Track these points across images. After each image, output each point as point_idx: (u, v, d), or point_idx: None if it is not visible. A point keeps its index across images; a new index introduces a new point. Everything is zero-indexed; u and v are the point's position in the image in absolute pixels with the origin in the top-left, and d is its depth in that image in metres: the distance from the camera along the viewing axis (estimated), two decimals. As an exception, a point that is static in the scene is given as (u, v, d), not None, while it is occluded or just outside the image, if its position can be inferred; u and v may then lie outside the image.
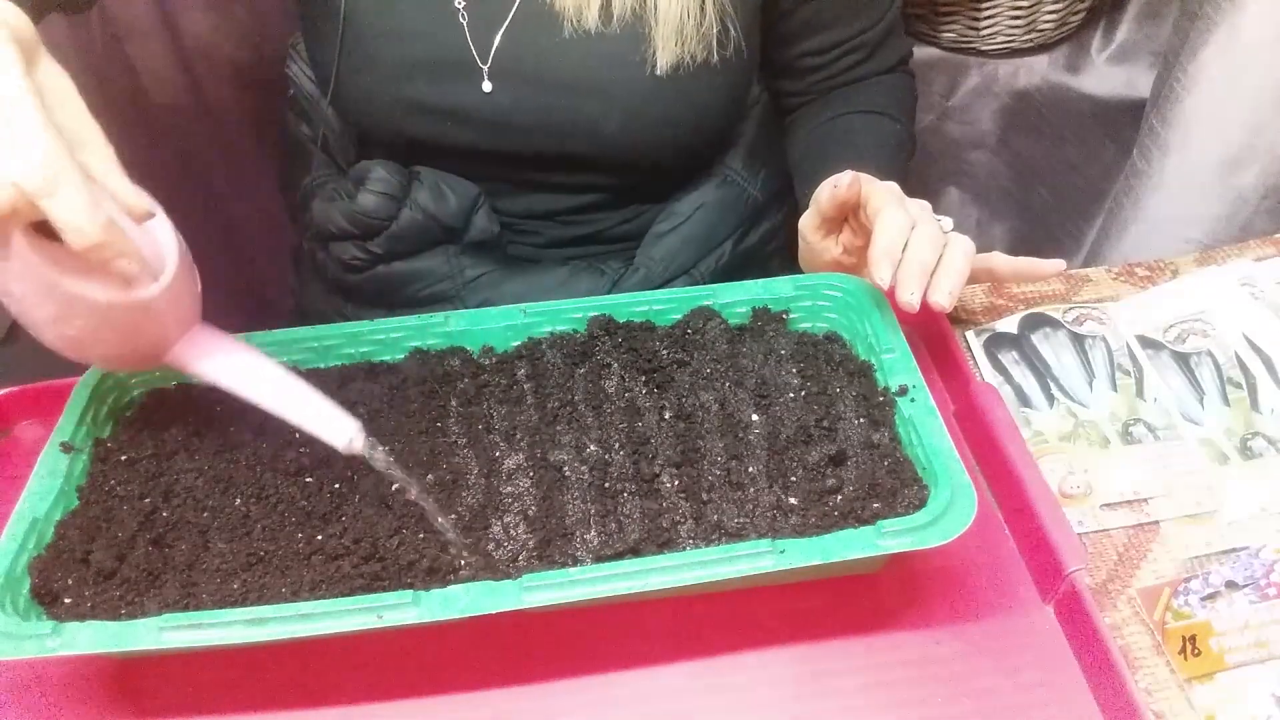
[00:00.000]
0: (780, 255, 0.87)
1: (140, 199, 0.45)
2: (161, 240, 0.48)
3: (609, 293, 0.77)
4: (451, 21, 0.68)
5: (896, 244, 0.54)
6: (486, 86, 0.69)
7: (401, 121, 0.72)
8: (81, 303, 0.44)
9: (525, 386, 0.57)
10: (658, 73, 0.68)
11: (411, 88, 0.70)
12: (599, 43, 0.67)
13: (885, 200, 0.57)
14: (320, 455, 0.53)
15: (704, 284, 0.77)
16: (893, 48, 0.80)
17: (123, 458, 0.53)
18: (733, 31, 0.69)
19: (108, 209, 0.42)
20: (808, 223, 0.65)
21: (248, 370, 0.50)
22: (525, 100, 0.70)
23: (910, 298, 0.53)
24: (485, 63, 0.69)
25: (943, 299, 0.54)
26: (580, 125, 0.70)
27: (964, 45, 1.10)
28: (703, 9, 0.66)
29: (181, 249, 0.48)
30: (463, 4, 0.68)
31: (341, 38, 0.70)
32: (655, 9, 0.66)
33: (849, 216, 0.62)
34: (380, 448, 0.48)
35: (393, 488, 0.52)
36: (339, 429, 0.48)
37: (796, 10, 0.74)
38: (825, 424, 0.53)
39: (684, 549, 0.48)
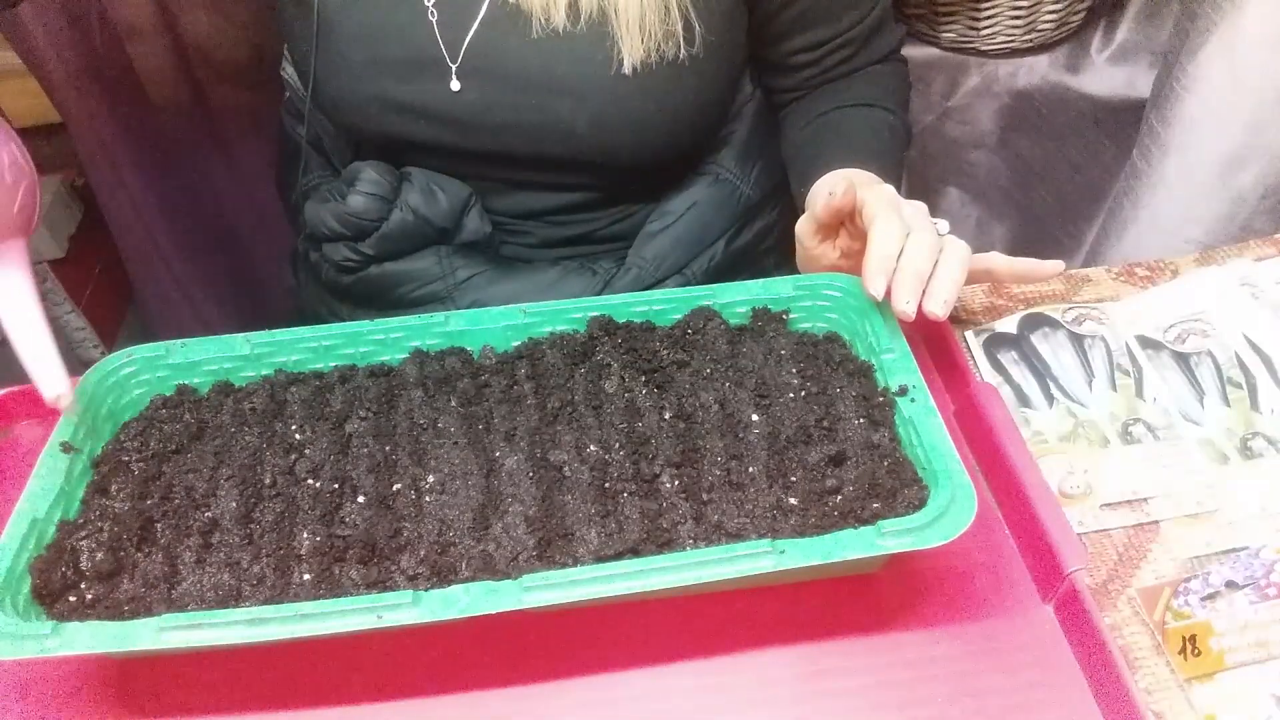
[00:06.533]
0: (774, 254, 0.87)
1: None
2: None
3: (601, 293, 0.77)
4: (421, 20, 0.69)
5: (891, 254, 0.54)
6: (455, 85, 0.69)
7: (375, 120, 0.73)
8: None
9: (525, 386, 0.57)
10: (624, 71, 0.67)
11: (382, 85, 0.71)
12: (567, 42, 0.67)
13: (880, 207, 0.56)
14: (320, 455, 0.53)
15: (697, 284, 0.77)
16: (883, 39, 0.79)
17: (123, 458, 0.53)
18: (698, 28, 0.68)
19: None
20: (804, 229, 0.65)
21: (11, 297, 0.53)
22: (493, 99, 0.70)
23: (906, 307, 0.53)
24: (455, 61, 0.69)
25: (938, 308, 0.54)
26: (550, 125, 0.70)
27: (964, 45, 1.10)
28: (665, 6, 0.66)
29: None
30: (432, 2, 0.68)
31: (316, 37, 0.70)
32: (617, 6, 0.66)
33: (845, 221, 0.62)
34: None
35: (393, 487, 0.52)
36: (51, 383, 0.51)
37: (785, 9, 0.74)
38: (825, 424, 0.53)
39: (684, 549, 0.48)
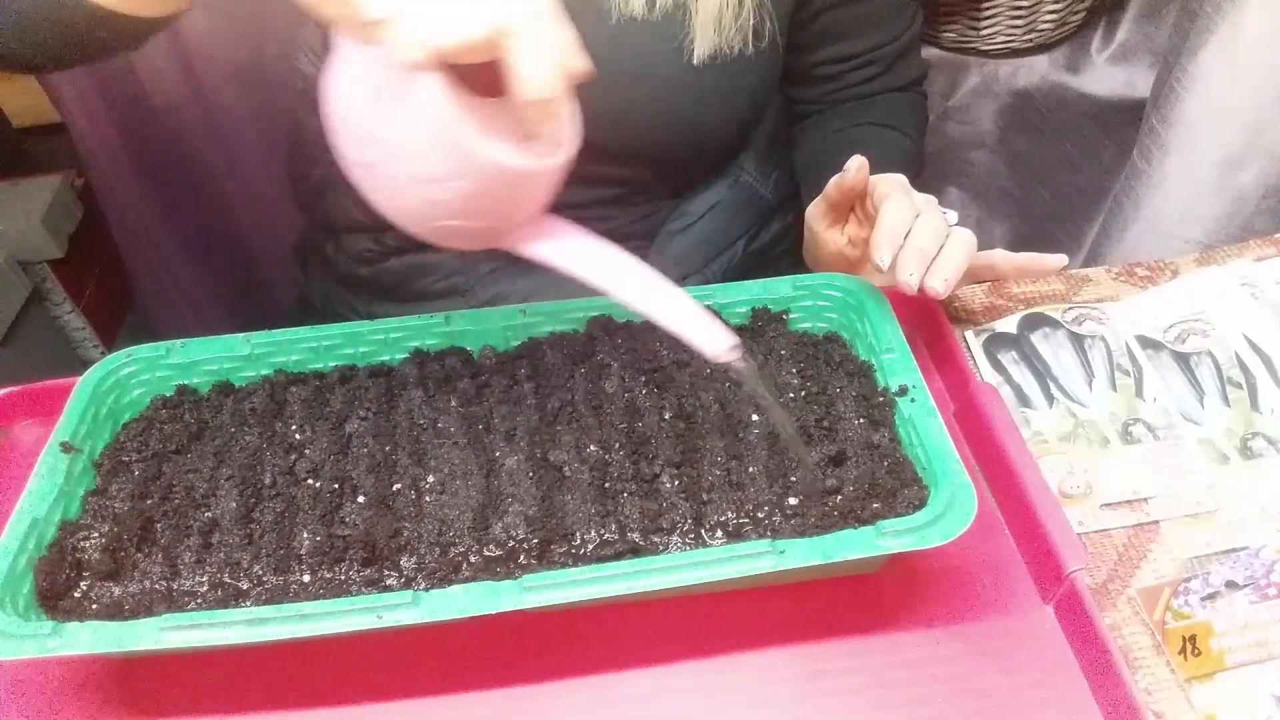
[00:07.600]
0: (789, 257, 0.88)
1: (584, 59, 0.39)
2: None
3: None
4: None
5: (899, 230, 0.55)
6: None
7: None
8: (477, 163, 0.39)
9: (525, 386, 0.57)
10: (694, 62, 0.68)
11: None
12: (639, 30, 0.67)
13: (891, 189, 0.58)
14: (320, 455, 0.53)
15: (716, 284, 0.77)
16: (908, 65, 0.80)
17: (124, 458, 0.53)
18: (769, 24, 0.69)
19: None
20: (814, 212, 0.66)
21: (601, 260, 0.45)
22: None
23: (909, 278, 0.54)
24: None
25: (938, 284, 0.54)
26: (607, 112, 0.70)
27: (964, 45, 1.10)
28: (740, 1, 0.67)
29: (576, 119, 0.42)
30: None
31: None
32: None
33: (855, 206, 0.63)
34: (750, 367, 0.47)
35: (393, 487, 0.52)
36: (715, 338, 0.45)
37: (819, 17, 0.75)
38: (825, 424, 0.53)
39: (684, 549, 0.48)
